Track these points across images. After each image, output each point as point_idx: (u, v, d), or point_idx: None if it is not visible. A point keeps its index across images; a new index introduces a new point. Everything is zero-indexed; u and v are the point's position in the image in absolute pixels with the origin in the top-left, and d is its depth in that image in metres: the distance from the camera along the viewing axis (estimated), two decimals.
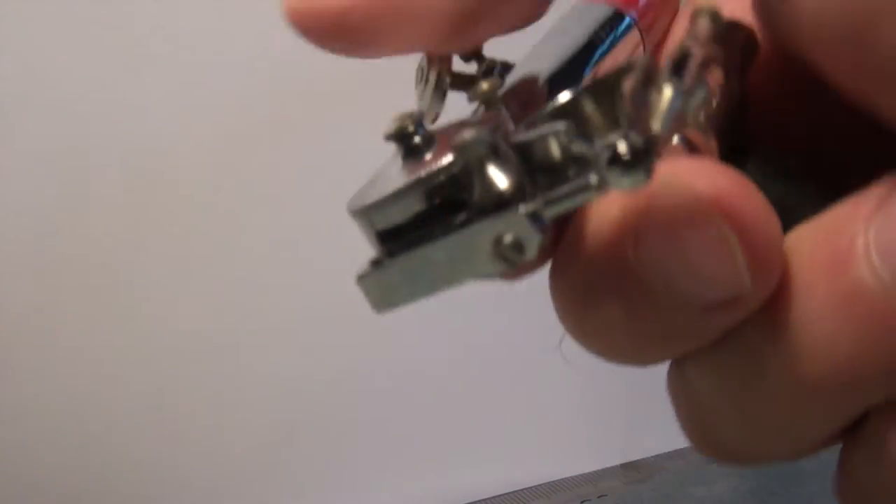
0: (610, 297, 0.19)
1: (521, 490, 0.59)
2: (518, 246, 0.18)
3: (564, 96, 0.20)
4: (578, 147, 0.17)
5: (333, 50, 0.19)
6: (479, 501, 0.58)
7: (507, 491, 0.59)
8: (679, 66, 0.18)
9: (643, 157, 0.16)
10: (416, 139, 0.19)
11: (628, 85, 0.18)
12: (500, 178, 0.18)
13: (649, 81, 0.18)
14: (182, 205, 0.55)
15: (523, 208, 0.17)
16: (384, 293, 0.20)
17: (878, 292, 0.19)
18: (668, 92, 0.17)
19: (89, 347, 0.54)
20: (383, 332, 0.52)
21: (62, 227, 0.53)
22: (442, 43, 0.20)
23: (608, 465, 0.59)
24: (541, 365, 0.58)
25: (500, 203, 0.18)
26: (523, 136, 0.18)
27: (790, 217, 0.20)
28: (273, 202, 0.55)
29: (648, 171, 0.16)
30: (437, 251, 0.19)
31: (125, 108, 0.52)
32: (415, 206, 0.19)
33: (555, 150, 0.18)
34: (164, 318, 0.55)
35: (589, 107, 0.19)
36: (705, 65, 0.18)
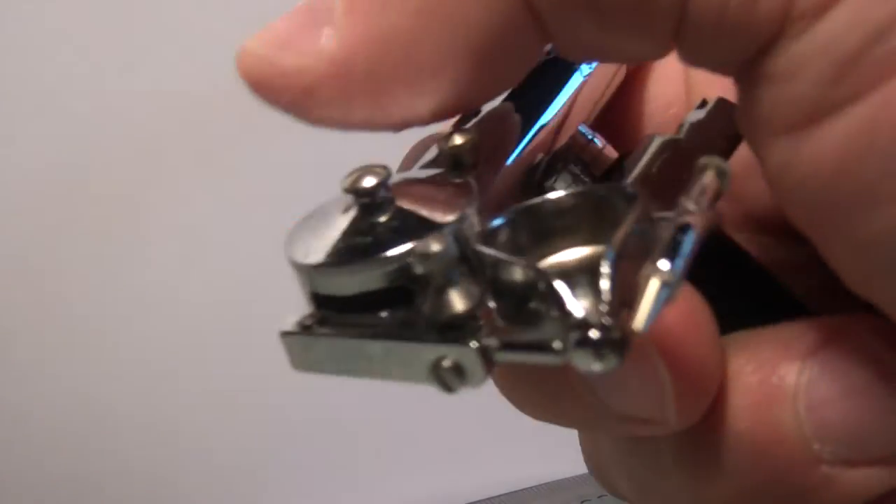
0: (535, 384, 0.19)
1: (521, 490, 0.59)
2: (460, 373, 0.17)
3: (553, 195, 0.18)
4: (543, 301, 0.16)
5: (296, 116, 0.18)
6: (479, 501, 0.58)
7: (507, 491, 0.59)
8: (675, 247, 0.16)
9: (618, 349, 0.15)
10: (378, 198, 0.18)
11: (616, 242, 0.16)
12: (456, 301, 0.17)
13: (639, 237, 0.17)
14: (182, 205, 0.55)
15: (475, 343, 0.16)
16: (307, 359, 0.19)
17: (794, 441, 0.18)
18: (654, 284, 0.15)
19: (89, 347, 0.54)
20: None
21: (62, 225, 0.53)
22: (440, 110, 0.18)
23: None
24: None
25: (451, 325, 0.17)
26: (491, 251, 0.17)
27: (729, 320, 0.20)
28: (273, 202, 0.55)
29: (621, 360, 0.15)
30: (373, 347, 0.18)
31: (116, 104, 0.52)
32: (363, 284, 0.18)
33: (519, 278, 0.17)
34: (164, 318, 0.55)
35: (569, 213, 0.18)
36: (700, 235, 0.17)
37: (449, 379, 0.17)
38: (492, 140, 0.21)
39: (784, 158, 0.16)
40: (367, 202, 0.18)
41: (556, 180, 0.22)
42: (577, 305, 0.16)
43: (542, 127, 0.22)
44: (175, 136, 0.53)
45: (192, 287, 0.55)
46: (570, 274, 0.17)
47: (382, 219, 0.18)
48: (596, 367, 0.15)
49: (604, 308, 0.15)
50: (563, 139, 0.23)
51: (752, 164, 0.19)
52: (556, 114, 0.22)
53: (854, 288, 0.17)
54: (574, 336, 0.15)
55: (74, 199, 0.53)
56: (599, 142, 0.23)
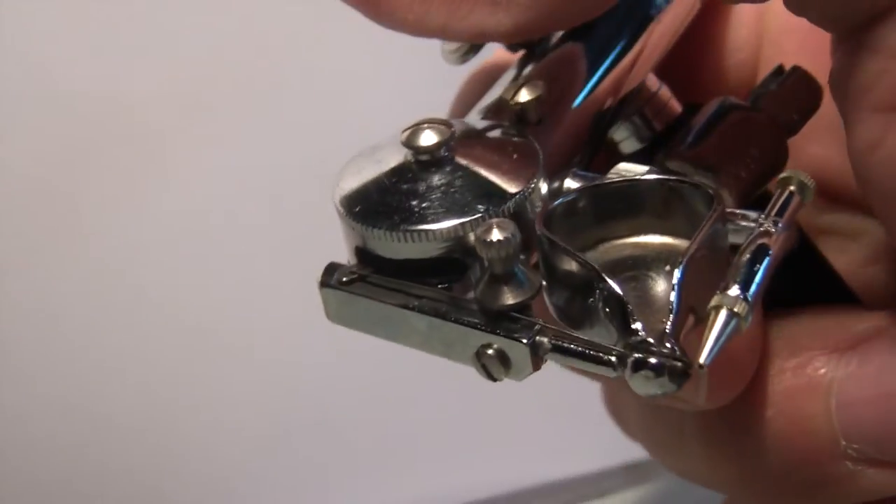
0: None
1: (521, 490, 0.58)
2: (505, 362, 0.16)
3: (627, 174, 0.17)
4: (602, 301, 0.15)
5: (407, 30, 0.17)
6: (479, 501, 0.58)
7: (507, 491, 0.58)
8: (749, 272, 0.15)
9: (677, 378, 0.14)
10: (437, 156, 0.17)
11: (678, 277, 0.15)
12: (513, 291, 0.16)
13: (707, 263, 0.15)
14: (182, 205, 0.55)
15: (527, 339, 0.16)
16: (344, 315, 0.18)
17: (821, 435, 0.18)
18: (723, 316, 0.15)
19: (88, 347, 0.54)
20: None
21: (60, 224, 0.53)
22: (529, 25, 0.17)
23: (609, 465, 0.58)
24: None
25: (504, 314, 0.16)
26: (553, 238, 0.16)
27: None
28: (274, 202, 0.55)
29: (680, 387, 0.14)
30: (418, 321, 0.17)
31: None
32: (414, 252, 0.17)
33: (579, 273, 0.16)
34: (163, 316, 0.55)
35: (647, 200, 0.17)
36: (775, 258, 0.16)
37: (493, 367, 0.17)
38: (558, 84, 0.20)
39: (874, 137, 0.16)
40: (426, 160, 0.17)
41: (617, 128, 0.21)
42: (639, 323, 0.15)
43: (610, 69, 0.21)
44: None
45: (193, 284, 0.55)
46: (636, 275, 0.16)
47: (441, 181, 0.17)
48: (653, 391, 0.15)
49: (668, 328, 0.15)
50: (634, 82, 0.22)
51: (815, 122, 0.18)
52: (627, 56, 0.21)
53: None
54: (633, 357, 0.15)
55: (71, 197, 0.53)
56: (665, 93, 0.22)
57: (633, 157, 0.22)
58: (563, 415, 0.65)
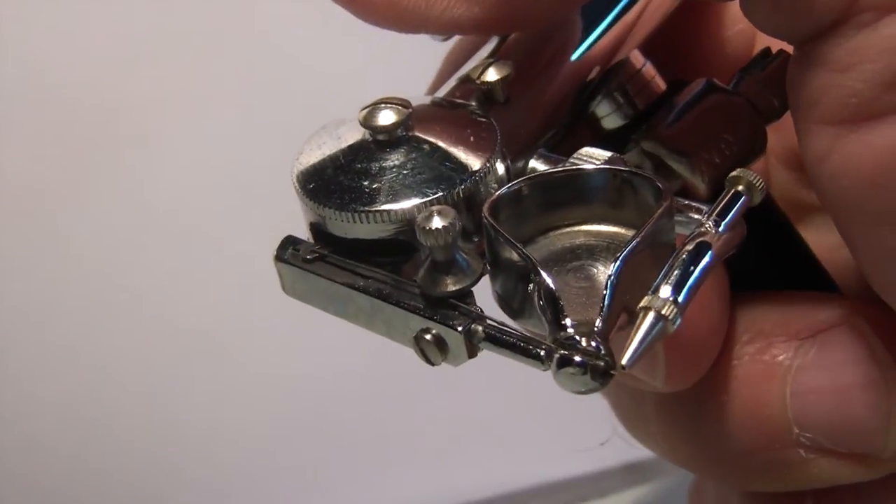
0: None
1: (521, 490, 0.58)
2: (443, 348, 0.16)
3: (581, 165, 0.17)
4: (537, 292, 0.15)
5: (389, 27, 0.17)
6: (479, 501, 0.58)
7: (506, 491, 0.58)
8: (684, 273, 0.15)
9: (600, 378, 0.14)
10: (394, 136, 0.17)
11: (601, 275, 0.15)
12: (453, 278, 0.16)
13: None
14: (182, 204, 0.55)
15: (461, 327, 0.16)
16: (297, 289, 0.18)
17: (775, 420, 0.18)
18: (649, 319, 0.14)
19: (87, 347, 0.54)
20: None
21: (60, 223, 0.53)
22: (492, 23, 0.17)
23: (609, 465, 0.58)
24: None
25: (443, 300, 0.16)
26: (495, 226, 0.16)
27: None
28: (273, 201, 0.55)
29: (603, 387, 0.15)
30: (363, 301, 0.17)
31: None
32: (363, 232, 0.17)
33: (518, 262, 0.16)
34: (162, 317, 0.55)
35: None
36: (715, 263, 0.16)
37: (430, 351, 0.17)
38: (536, 60, 0.19)
39: (822, 149, 0.16)
40: (383, 139, 0.17)
41: (599, 103, 0.21)
42: (569, 318, 0.15)
43: (594, 43, 0.20)
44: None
45: (191, 285, 0.55)
46: (582, 265, 0.16)
47: (396, 161, 0.17)
48: (576, 388, 0.15)
49: (598, 326, 0.15)
50: (625, 51, 0.21)
51: None
52: (612, 31, 0.21)
53: (868, 280, 0.17)
54: (558, 354, 0.15)
55: (69, 197, 0.53)
56: (649, 70, 0.22)
57: (614, 134, 0.22)
58: (562, 415, 0.65)
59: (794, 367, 0.18)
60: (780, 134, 0.21)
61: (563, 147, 0.20)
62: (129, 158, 0.54)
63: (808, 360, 0.18)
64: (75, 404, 0.54)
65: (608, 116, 0.22)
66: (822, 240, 0.21)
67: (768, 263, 0.20)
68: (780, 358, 0.18)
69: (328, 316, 0.19)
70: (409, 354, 0.19)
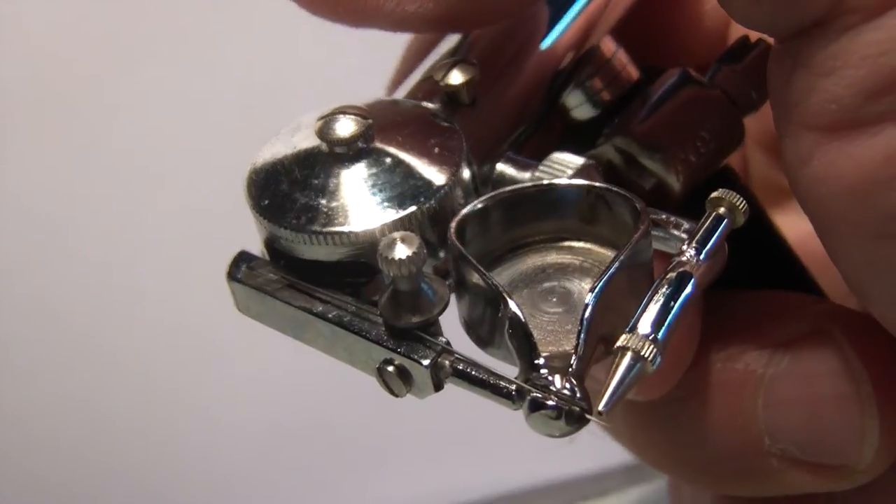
0: None
1: (521, 490, 0.58)
2: (406, 379, 0.15)
3: (551, 179, 0.16)
4: (505, 323, 0.14)
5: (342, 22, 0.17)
6: (478, 501, 0.57)
7: (507, 491, 0.58)
8: (664, 308, 0.14)
9: (574, 423, 0.14)
10: (353, 149, 0.16)
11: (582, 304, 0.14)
12: (418, 309, 0.15)
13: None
14: (182, 204, 0.55)
15: (427, 361, 0.15)
16: (251, 308, 0.17)
17: (748, 429, 0.18)
18: (626, 361, 0.13)
19: (87, 347, 0.54)
20: None
21: (60, 223, 0.53)
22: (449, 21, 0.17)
23: (609, 465, 0.58)
24: None
25: (408, 331, 0.15)
26: (463, 251, 0.15)
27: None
28: None
29: (576, 430, 0.14)
30: (322, 327, 0.16)
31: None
32: (320, 255, 0.16)
33: (485, 290, 0.15)
34: (163, 317, 0.55)
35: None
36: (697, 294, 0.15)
37: (393, 383, 0.15)
38: (501, 55, 0.18)
39: (802, 153, 0.15)
40: (341, 152, 0.16)
41: (569, 93, 0.20)
42: (542, 357, 0.14)
43: (563, 33, 0.19)
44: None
45: (190, 286, 0.55)
46: (553, 287, 0.15)
47: (355, 177, 0.16)
48: (550, 432, 0.14)
49: (572, 365, 0.14)
50: (598, 36, 0.20)
51: None
52: (581, 18, 0.19)
53: (847, 285, 0.16)
54: (531, 397, 0.14)
55: (68, 195, 0.53)
56: (622, 57, 0.21)
57: (585, 125, 0.20)
58: None
59: (767, 377, 0.18)
60: (757, 116, 0.21)
61: (534, 139, 0.19)
62: (129, 158, 0.54)
63: (781, 370, 0.18)
64: (75, 404, 0.54)
65: (579, 107, 0.21)
66: (802, 226, 0.20)
67: (745, 260, 0.19)
68: (753, 367, 0.18)
69: None
70: None
